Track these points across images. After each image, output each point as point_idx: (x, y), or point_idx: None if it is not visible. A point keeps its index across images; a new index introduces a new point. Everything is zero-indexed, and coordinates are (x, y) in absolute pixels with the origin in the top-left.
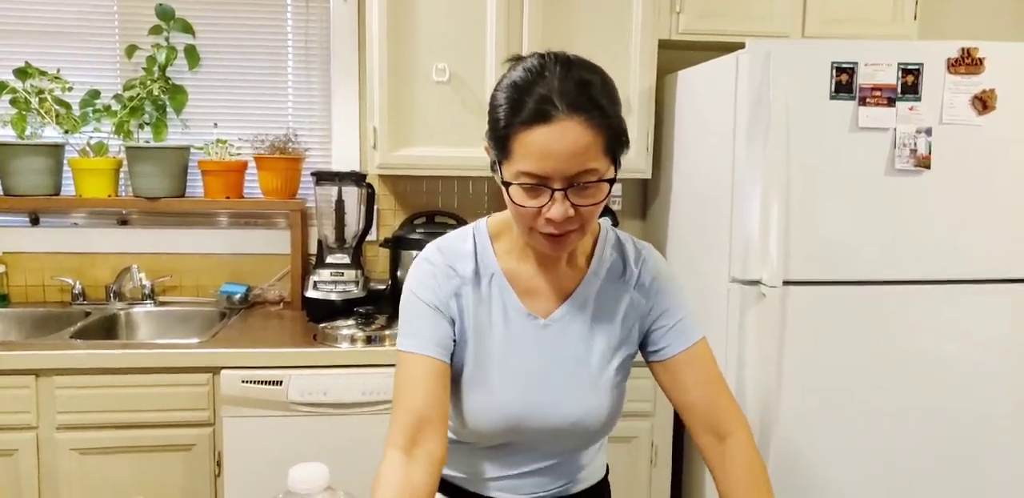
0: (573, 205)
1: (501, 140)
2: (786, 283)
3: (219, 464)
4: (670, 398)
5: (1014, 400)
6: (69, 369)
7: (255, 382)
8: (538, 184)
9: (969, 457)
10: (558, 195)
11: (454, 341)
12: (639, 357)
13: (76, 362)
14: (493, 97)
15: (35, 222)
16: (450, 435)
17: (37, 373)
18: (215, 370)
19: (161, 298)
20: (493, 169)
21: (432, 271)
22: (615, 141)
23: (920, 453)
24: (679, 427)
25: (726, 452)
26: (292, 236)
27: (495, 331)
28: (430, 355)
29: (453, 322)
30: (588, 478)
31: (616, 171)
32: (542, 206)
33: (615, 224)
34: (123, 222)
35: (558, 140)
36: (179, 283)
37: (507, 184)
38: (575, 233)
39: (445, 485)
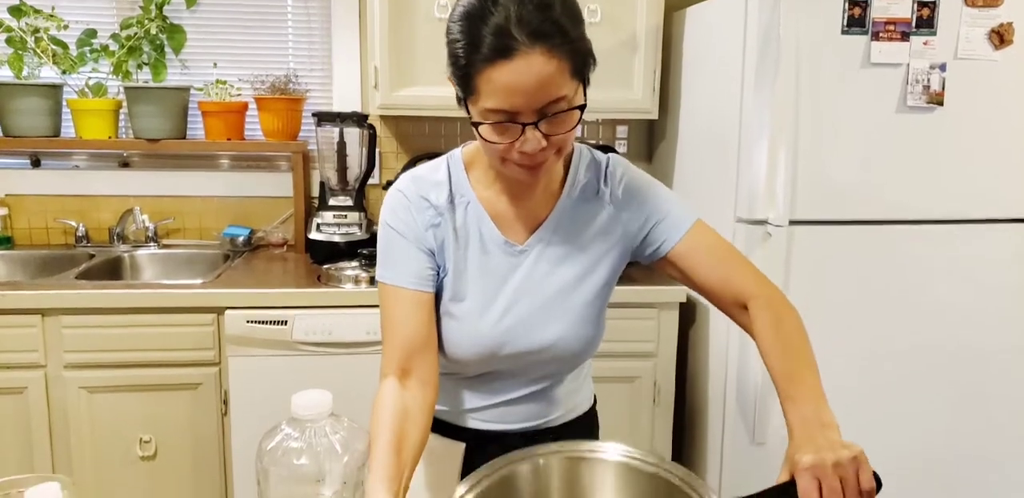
0: (545, 135)
1: (464, 78)
2: (792, 223)
3: (226, 403)
4: (688, 287)
5: (1018, 338)
6: (75, 308)
7: (260, 322)
8: (507, 121)
9: (970, 394)
10: (529, 129)
11: (436, 272)
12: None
13: (81, 301)
14: (448, 29)
15: (36, 164)
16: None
17: (43, 312)
18: (219, 310)
19: (164, 241)
20: (460, 103)
21: (405, 203)
22: (582, 64)
23: (922, 390)
24: (681, 367)
25: (751, 316)
26: (294, 178)
27: (472, 260)
28: (409, 287)
29: (432, 253)
30: (574, 409)
31: (585, 93)
32: (514, 141)
33: None
34: (124, 164)
35: (523, 74)
36: (182, 226)
37: (476, 124)
38: (550, 159)
39: (439, 422)
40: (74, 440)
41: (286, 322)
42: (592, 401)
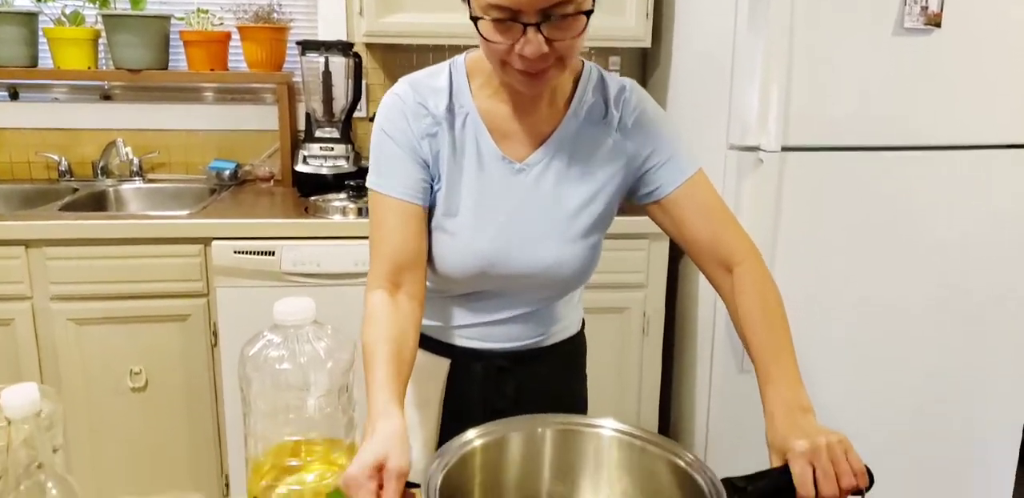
0: (548, 40)
1: None
2: (785, 149)
3: (215, 334)
4: (674, 238)
5: (1014, 266)
6: (59, 240)
7: (247, 253)
8: (509, 18)
9: (964, 320)
10: (531, 30)
11: (429, 185)
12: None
13: (65, 232)
14: None
15: (14, 96)
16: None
17: (27, 244)
18: (206, 241)
19: (149, 175)
20: None
21: (402, 108)
22: None
23: (916, 318)
24: (671, 298)
25: (735, 281)
26: (280, 111)
27: (467, 174)
28: (401, 198)
29: (427, 165)
30: (561, 331)
31: (594, 1)
32: (514, 42)
33: None
34: (106, 97)
35: None
36: (167, 160)
37: (476, 18)
38: (553, 69)
39: (427, 338)
40: (64, 372)
41: (274, 253)
42: (580, 325)
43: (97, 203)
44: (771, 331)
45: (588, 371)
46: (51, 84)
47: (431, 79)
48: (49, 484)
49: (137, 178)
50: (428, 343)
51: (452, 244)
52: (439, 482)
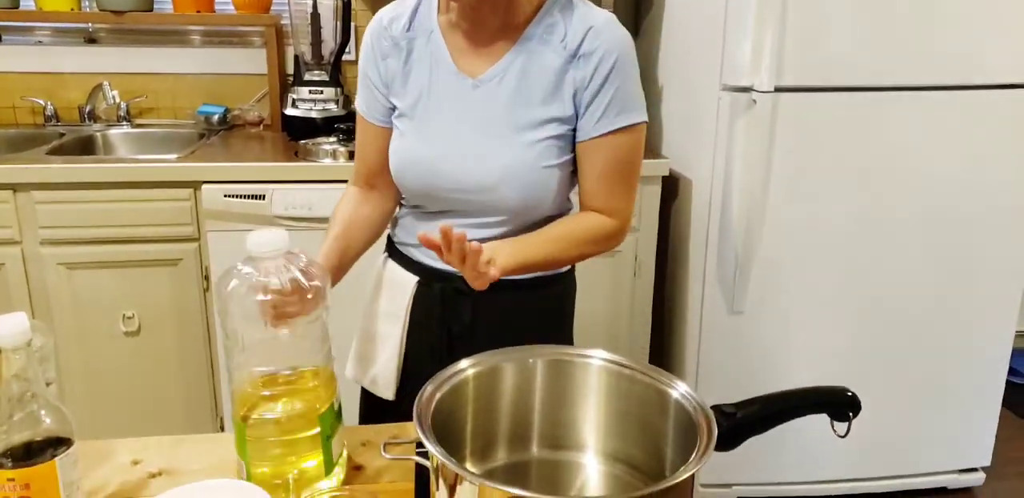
0: None
1: None
2: (778, 90)
3: (207, 278)
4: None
5: (1004, 207)
6: (47, 183)
7: (237, 196)
8: None
9: (955, 260)
10: None
11: (391, 109)
12: None
13: (53, 176)
14: None
15: None
16: (404, 199)
17: (15, 188)
18: (196, 185)
19: (137, 120)
20: None
21: (369, 32)
22: None
23: (907, 259)
24: (663, 241)
25: (587, 215)
26: (268, 54)
27: (421, 88)
28: (366, 117)
29: (387, 87)
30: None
31: None
32: None
33: None
34: (91, 40)
35: None
36: (155, 105)
37: None
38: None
39: (400, 255)
40: (56, 317)
41: (264, 196)
42: (565, 270)
43: (85, 148)
44: (564, 237)
45: (580, 314)
46: (34, 27)
47: (401, 1)
48: (43, 413)
49: (125, 123)
50: (403, 259)
51: (402, 154)
52: (432, 408)
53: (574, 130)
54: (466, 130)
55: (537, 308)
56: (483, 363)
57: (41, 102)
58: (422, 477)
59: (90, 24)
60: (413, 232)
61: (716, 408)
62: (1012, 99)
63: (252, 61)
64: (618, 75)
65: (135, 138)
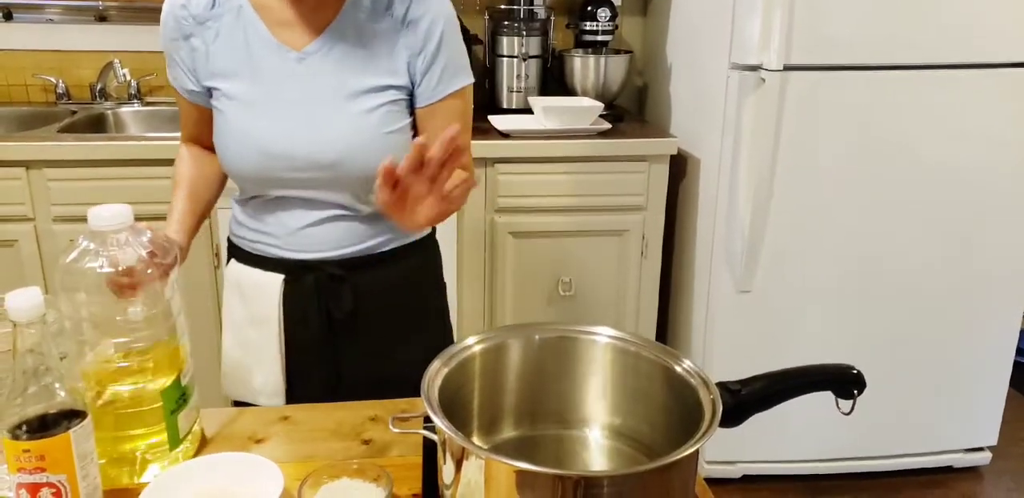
0: None
1: None
2: (787, 68)
3: (217, 255)
4: None
5: (1019, 185)
6: (59, 161)
7: None
8: None
9: (967, 240)
10: None
11: (197, 89)
12: None
13: (65, 154)
14: None
15: (8, 17)
16: (236, 194)
17: (27, 165)
18: None
19: (148, 98)
20: None
21: (166, 11)
22: None
23: (916, 239)
24: (670, 220)
25: None
26: None
27: (238, 67)
28: (183, 96)
29: (190, 68)
30: (402, 237)
31: None
32: None
33: (613, 17)
34: (101, 18)
35: None
36: (165, 83)
37: None
38: None
39: (249, 255)
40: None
41: None
42: (426, 232)
43: (96, 125)
44: None
45: (587, 294)
46: (44, 5)
47: None
48: (56, 386)
49: (135, 101)
50: (257, 261)
51: (231, 134)
52: (439, 384)
53: (410, 96)
54: (299, 107)
55: (410, 280)
56: (489, 340)
57: (52, 80)
58: (430, 451)
59: (100, 2)
60: (263, 225)
61: (721, 385)
62: (1022, 78)
63: None
64: (449, 40)
65: (145, 116)
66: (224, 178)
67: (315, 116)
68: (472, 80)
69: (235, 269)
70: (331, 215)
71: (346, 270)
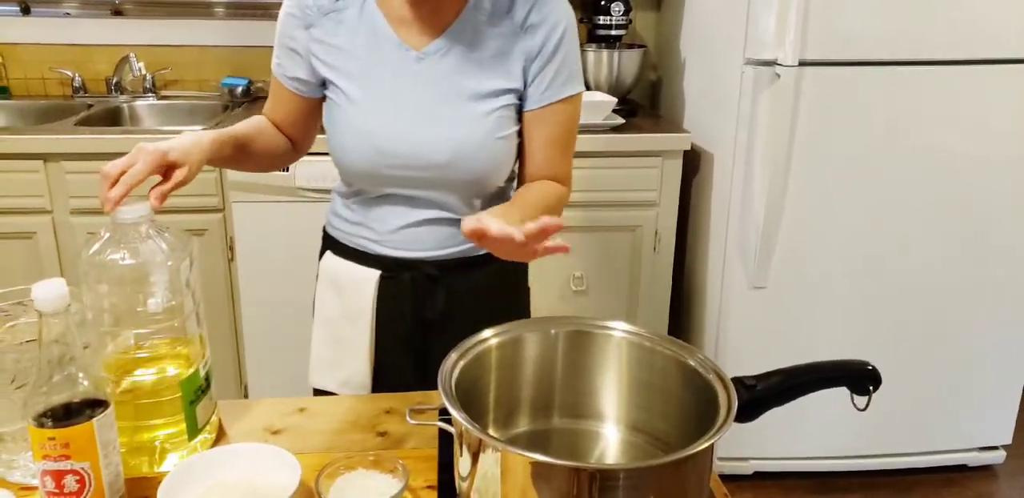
0: None
1: None
2: (802, 63)
3: (231, 248)
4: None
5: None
6: (76, 154)
7: None
8: None
9: (983, 236)
10: None
11: (308, 79)
12: None
13: (82, 147)
14: None
15: (26, 11)
16: (341, 187)
17: (45, 158)
18: None
19: (163, 92)
20: None
21: None
22: None
23: (931, 235)
24: (683, 216)
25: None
26: None
27: (363, 60)
28: (282, 83)
29: (308, 57)
30: None
31: None
32: None
33: (627, 11)
34: (117, 12)
35: None
36: (180, 77)
37: None
38: None
39: (348, 249)
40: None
41: (288, 169)
42: None
43: (112, 119)
44: (536, 197)
45: (600, 290)
46: None
47: None
48: (80, 375)
49: (151, 94)
50: (354, 255)
51: (346, 128)
52: (456, 376)
53: (520, 100)
54: (416, 106)
55: (501, 283)
56: (506, 333)
57: (69, 73)
58: (446, 443)
59: None
60: (365, 221)
61: (736, 380)
62: None
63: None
64: (565, 45)
65: (161, 109)
66: (282, 156)
67: (431, 116)
68: (583, 89)
69: (331, 262)
70: (433, 217)
71: (441, 271)
